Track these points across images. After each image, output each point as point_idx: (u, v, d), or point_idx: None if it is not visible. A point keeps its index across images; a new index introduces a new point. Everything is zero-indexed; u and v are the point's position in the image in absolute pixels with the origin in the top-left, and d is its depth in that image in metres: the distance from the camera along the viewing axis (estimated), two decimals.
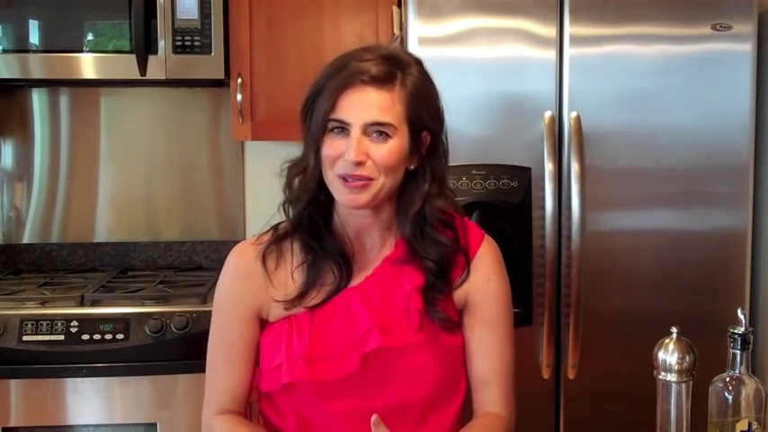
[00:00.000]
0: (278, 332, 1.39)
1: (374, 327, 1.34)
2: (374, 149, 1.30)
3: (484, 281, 1.42)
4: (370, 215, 1.38)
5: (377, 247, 1.41)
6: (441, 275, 1.38)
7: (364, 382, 1.35)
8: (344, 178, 1.31)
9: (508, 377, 1.44)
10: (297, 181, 1.37)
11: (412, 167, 1.36)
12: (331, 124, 1.31)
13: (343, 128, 1.31)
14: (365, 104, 1.30)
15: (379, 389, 1.36)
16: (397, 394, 1.37)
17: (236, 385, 1.41)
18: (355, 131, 1.29)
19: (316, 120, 1.32)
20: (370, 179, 1.31)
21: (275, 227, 1.42)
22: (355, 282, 1.39)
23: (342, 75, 1.31)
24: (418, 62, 1.38)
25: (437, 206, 1.38)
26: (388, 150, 1.31)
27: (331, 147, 1.31)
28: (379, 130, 1.30)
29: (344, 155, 1.30)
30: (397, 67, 1.33)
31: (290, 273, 1.39)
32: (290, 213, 1.39)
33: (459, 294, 1.41)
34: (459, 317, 1.43)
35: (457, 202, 1.44)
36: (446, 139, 1.40)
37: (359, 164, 1.29)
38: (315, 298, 1.38)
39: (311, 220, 1.37)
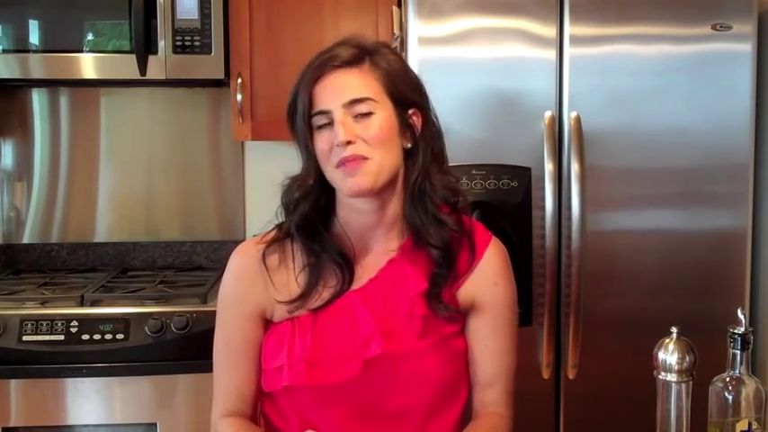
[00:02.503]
0: (281, 333, 1.38)
1: (377, 332, 1.34)
2: (360, 129, 1.30)
3: (491, 285, 1.41)
4: (374, 211, 1.37)
5: (381, 248, 1.40)
6: (446, 262, 1.37)
7: (366, 387, 1.35)
8: (341, 165, 1.30)
9: (510, 379, 1.44)
10: (291, 190, 1.37)
11: (408, 146, 1.36)
12: (314, 120, 1.32)
13: (328, 120, 1.31)
14: (338, 87, 1.31)
15: (381, 394, 1.36)
16: (399, 399, 1.36)
17: (242, 386, 1.41)
18: (338, 115, 1.30)
19: (299, 120, 1.33)
20: (364, 158, 1.30)
21: (279, 226, 1.41)
22: (358, 284, 1.38)
23: (311, 69, 1.33)
24: (387, 46, 1.40)
25: (440, 183, 1.37)
26: (377, 125, 1.31)
27: (322, 141, 1.32)
28: (361, 111, 1.31)
29: (333, 144, 1.30)
30: (364, 51, 1.34)
31: (293, 275, 1.38)
32: (289, 218, 1.39)
33: (464, 295, 1.40)
34: (463, 318, 1.42)
35: (461, 188, 1.42)
36: (436, 117, 1.40)
37: (349, 143, 1.29)
38: (317, 300, 1.37)
39: (310, 225, 1.37)
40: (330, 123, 1.31)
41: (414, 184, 1.35)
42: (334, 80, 1.32)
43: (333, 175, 1.32)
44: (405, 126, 1.35)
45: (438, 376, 1.38)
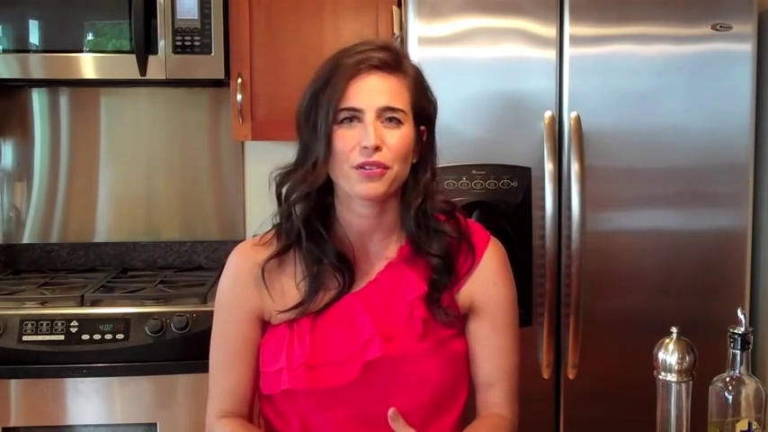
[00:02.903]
0: (279, 336, 1.37)
1: (377, 335, 1.33)
2: (388, 136, 1.29)
3: (490, 286, 1.41)
4: (374, 216, 1.36)
5: (379, 252, 1.39)
6: (446, 269, 1.37)
7: (365, 390, 1.34)
8: (361, 167, 1.28)
9: (513, 379, 1.44)
10: (294, 185, 1.35)
11: (414, 161, 1.36)
12: (342, 114, 1.29)
13: (354, 117, 1.29)
14: (376, 90, 1.30)
15: (381, 396, 1.35)
16: (399, 402, 1.35)
17: (237, 386, 1.40)
18: (370, 117, 1.29)
19: (324, 112, 1.30)
20: (386, 167, 1.29)
21: (278, 227, 1.40)
22: (357, 287, 1.38)
23: (348, 64, 1.30)
24: (407, 55, 1.40)
25: (437, 199, 1.38)
26: (401, 137, 1.30)
27: (343, 139, 1.29)
28: (390, 117, 1.30)
29: (359, 144, 1.28)
30: (399, 55, 1.34)
31: (293, 281, 1.37)
32: (286, 221, 1.37)
33: (464, 296, 1.40)
34: (462, 320, 1.42)
35: (453, 201, 1.44)
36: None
37: (377, 149, 1.27)
38: (317, 303, 1.36)
39: (311, 226, 1.36)
40: (352, 121, 1.30)
41: (415, 204, 1.35)
42: (373, 82, 1.30)
43: (348, 173, 1.30)
44: (417, 141, 1.35)
45: (437, 378, 1.38)
